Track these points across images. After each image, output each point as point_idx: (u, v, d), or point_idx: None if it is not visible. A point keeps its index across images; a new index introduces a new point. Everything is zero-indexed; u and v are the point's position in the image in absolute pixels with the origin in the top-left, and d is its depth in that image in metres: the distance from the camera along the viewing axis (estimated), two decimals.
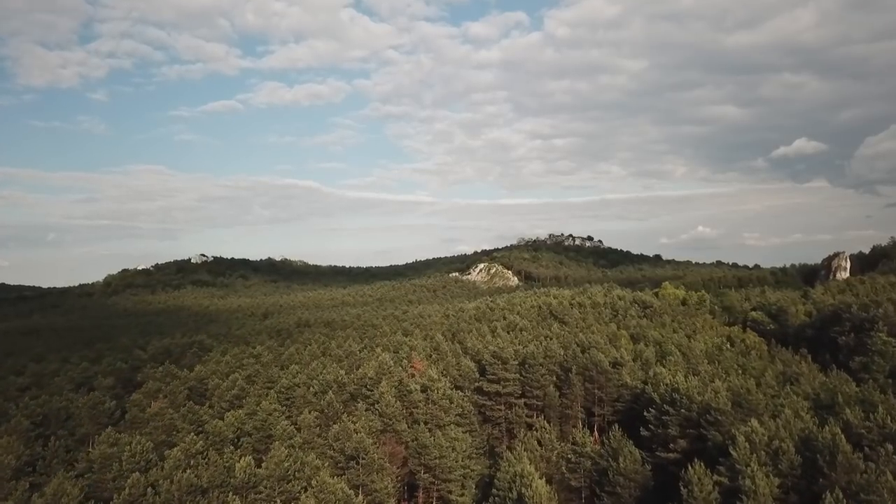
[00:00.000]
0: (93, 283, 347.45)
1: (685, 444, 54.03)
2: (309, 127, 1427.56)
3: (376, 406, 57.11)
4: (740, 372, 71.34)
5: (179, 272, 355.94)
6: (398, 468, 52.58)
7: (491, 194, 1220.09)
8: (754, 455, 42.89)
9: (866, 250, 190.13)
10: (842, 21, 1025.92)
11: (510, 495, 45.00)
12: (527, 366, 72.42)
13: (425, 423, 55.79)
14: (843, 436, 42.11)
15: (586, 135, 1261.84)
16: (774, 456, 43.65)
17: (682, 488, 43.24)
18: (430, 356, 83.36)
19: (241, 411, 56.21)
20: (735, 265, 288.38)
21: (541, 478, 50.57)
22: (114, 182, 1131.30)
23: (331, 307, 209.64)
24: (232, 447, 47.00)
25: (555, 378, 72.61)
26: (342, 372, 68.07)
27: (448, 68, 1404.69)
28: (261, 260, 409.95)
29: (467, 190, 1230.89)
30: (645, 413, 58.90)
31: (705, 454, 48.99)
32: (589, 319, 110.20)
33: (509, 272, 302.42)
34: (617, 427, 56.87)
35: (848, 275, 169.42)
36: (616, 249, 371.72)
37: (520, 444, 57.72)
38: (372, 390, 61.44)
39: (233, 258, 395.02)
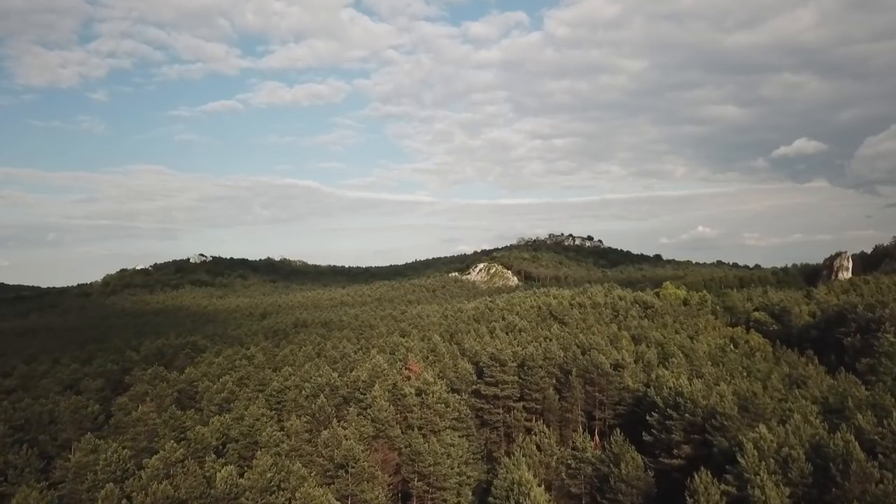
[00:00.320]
0: (91, 283, 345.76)
1: (689, 451, 52.35)
2: (309, 127, 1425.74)
3: (368, 411, 55.11)
4: (745, 374, 69.55)
5: (178, 272, 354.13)
6: (390, 476, 50.59)
7: (491, 194, 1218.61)
8: (763, 463, 40.99)
9: (866, 250, 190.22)
10: (842, 21, 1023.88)
11: None
12: (526, 368, 70.80)
13: (419, 429, 53.78)
14: (856, 443, 40.14)
15: (586, 135, 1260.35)
16: (784, 464, 41.74)
17: (687, 498, 41.37)
18: (427, 358, 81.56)
19: (227, 416, 54.20)
20: (735, 265, 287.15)
21: (540, 484, 48.86)
22: (114, 182, 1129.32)
23: (329, 307, 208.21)
24: (214, 455, 44.84)
25: (554, 380, 71.05)
26: (335, 375, 66.08)
27: (448, 68, 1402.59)
28: (260, 260, 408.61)
29: (467, 190, 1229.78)
30: (647, 417, 57.32)
31: (711, 461, 47.30)
32: (589, 320, 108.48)
33: (509, 272, 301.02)
34: (618, 431, 55.31)
35: (850, 275, 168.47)
36: (616, 249, 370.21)
37: (518, 449, 56.04)
38: (365, 394, 59.48)
39: (232, 258, 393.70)
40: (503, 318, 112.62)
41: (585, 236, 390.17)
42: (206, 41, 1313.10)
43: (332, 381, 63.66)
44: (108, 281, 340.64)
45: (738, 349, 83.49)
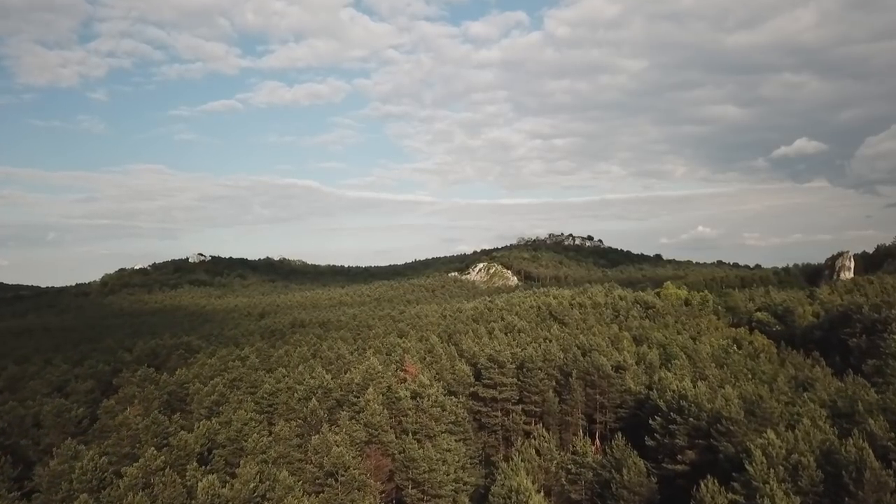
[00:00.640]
0: (89, 283, 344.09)
1: (694, 456, 50.64)
2: (309, 126, 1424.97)
3: (361, 415, 53.26)
4: (750, 377, 67.75)
5: (177, 272, 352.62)
6: (383, 483, 48.70)
7: (491, 194, 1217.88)
8: (772, 471, 39.13)
9: (867, 250, 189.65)
10: (842, 21, 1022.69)
11: None
12: (525, 370, 69.19)
13: (414, 434, 51.94)
14: (870, 450, 38.33)
15: (586, 135, 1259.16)
16: (794, 471, 39.89)
17: None
18: (424, 359, 79.80)
19: (214, 420, 52.27)
20: (736, 265, 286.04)
21: (539, 490, 47.30)
22: (114, 181, 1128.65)
23: (328, 307, 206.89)
24: (196, 463, 42.88)
25: (554, 383, 69.41)
26: (328, 377, 64.18)
27: (448, 68, 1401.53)
28: (259, 259, 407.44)
29: (467, 190, 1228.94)
30: (650, 421, 55.58)
31: (717, 467, 45.56)
32: (590, 320, 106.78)
33: (509, 272, 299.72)
34: (620, 435, 53.63)
35: (852, 275, 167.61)
36: (616, 249, 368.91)
37: (517, 454, 54.35)
38: (358, 397, 57.65)
39: (231, 258, 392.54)
40: (502, 319, 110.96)
41: (585, 236, 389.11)
42: (205, 41, 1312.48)
43: (325, 383, 61.83)
44: (106, 281, 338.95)
45: (742, 350, 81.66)
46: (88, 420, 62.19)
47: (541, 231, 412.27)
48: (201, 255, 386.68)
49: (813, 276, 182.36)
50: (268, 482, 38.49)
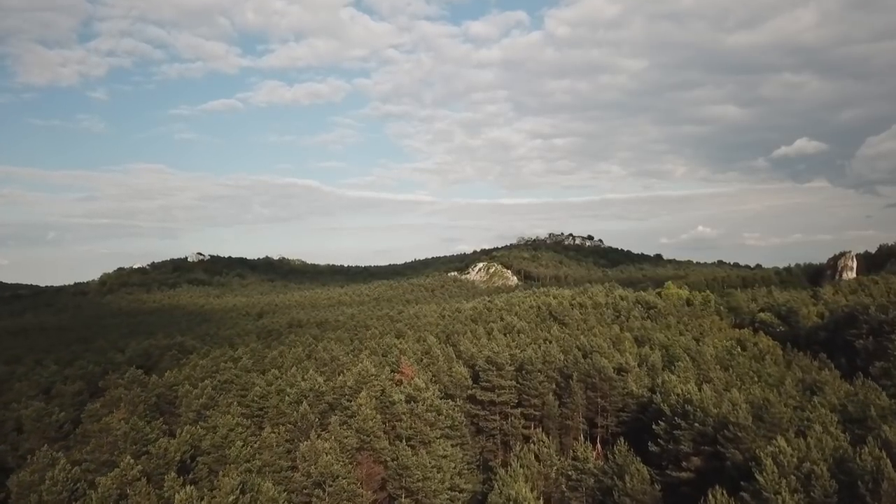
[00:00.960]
0: (88, 282, 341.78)
1: (700, 463, 48.62)
2: (309, 126, 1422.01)
3: (353, 420, 51.24)
4: (756, 379, 65.78)
5: (176, 271, 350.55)
6: (374, 492, 46.65)
7: (491, 194, 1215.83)
8: (784, 480, 37.18)
9: (868, 250, 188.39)
10: (842, 21, 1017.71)
11: None
12: (524, 372, 67.34)
13: (408, 440, 49.90)
14: (888, 459, 36.37)
15: (586, 134, 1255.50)
16: (806, 481, 37.91)
17: None
18: (421, 360, 77.83)
19: (199, 426, 50.21)
20: (736, 265, 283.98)
21: (538, 498, 45.38)
22: (114, 181, 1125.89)
23: (326, 307, 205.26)
24: (175, 474, 40.78)
25: (554, 385, 67.57)
26: (321, 379, 62.14)
27: (448, 67, 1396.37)
28: (258, 259, 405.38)
29: (467, 189, 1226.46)
30: (653, 426, 53.59)
31: (724, 475, 43.65)
32: (590, 321, 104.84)
33: (509, 272, 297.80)
34: (622, 440, 51.72)
35: (855, 275, 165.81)
36: (616, 249, 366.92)
37: (515, 459, 52.38)
38: (351, 401, 55.66)
39: (230, 257, 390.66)
40: (501, 319, 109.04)
41: (585, 236, 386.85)
42: (206, 40, 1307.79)
43: (317, 386, 59.79)
44: (104, 280, 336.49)
45: (747, 352, 79.57)
46: (70, 424, 60.18)
47: (541, 231, 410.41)
48: (200, 254, 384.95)
49: (815, 276, 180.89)
50: (250, 493, 36.47)
